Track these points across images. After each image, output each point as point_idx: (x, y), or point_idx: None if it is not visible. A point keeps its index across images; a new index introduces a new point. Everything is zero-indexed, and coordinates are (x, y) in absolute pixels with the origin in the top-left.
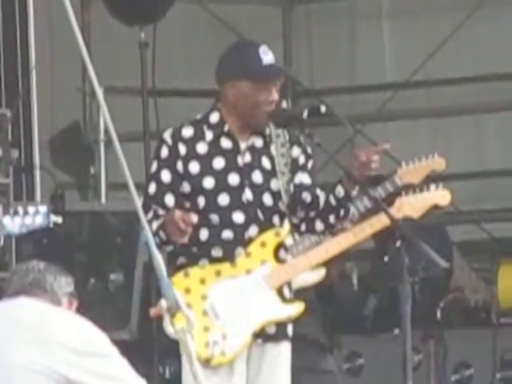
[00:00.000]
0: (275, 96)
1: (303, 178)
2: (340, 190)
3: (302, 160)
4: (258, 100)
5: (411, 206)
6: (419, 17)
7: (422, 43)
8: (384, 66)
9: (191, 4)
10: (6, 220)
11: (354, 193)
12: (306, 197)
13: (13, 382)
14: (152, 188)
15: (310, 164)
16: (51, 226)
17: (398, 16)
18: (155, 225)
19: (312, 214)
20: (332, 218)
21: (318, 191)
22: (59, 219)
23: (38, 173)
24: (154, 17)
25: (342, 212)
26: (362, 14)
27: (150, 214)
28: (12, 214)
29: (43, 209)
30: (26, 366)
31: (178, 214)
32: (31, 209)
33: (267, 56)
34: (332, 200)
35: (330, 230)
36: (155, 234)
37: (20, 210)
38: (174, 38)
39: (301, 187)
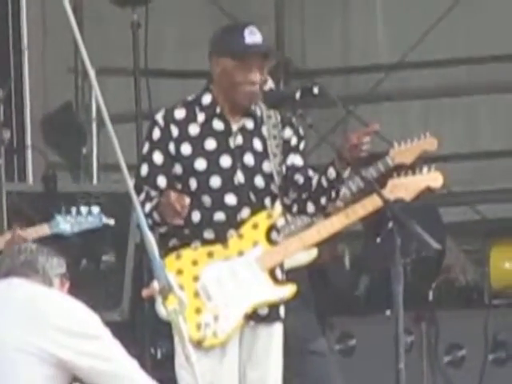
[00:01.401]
0: (256, 76)
1: (295, 159)
2: (332, 172)
3: (294, 141)
4: (238, 79)
5: (403, 188)
6: None
7: (416, 24)
8: (377, 46)
9: None
10: (58, 219)
11: (346, 174)
12: (299, 178)
13: (5, 363)
14: (144, 169)
15: (302, 145)
16: (102, 226)
17: None
18: (148, 206)
19: (304, 195)
20: (323, 200)
21: (311, 172)
22: (111, 221)
23: (29, 153)
24: None
25: (333, 194)
26: None
27: (143, 196)
28: (64, 213)
29: (96, 209)
30: (18, 348)
31: (173, 195)
32: (84, 209)
33: (252, 36)
34: (324, 182)
35: (322, 212)
36: (148, 215)
37: (73, 209)
38: (166, 18)
39: (293, 169)
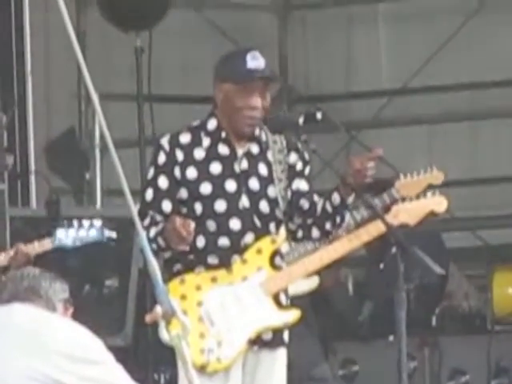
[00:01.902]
0: (257, 101)
1: (300, 184)
2: (336, 197)
3: (299, 166)
4: (239, 103)
5: (408, 213)
6: (415, 23)
7: (418, 50)
8: (380, 72)
9: (187, 10)
10: (60, 233)
11: (350, 200)
12: (304, 203)
13: None
14: (149, 194)
15: (307, 170)
16: (105, 240)
17: (394, 22)
18: (153, 231)
19: (309, 220)
20: (328, 225)
21: (316, 198)
22: (113, 234)
23: (33, 178)
24: (149, 23)
25: (338, 219)
26: (358, 20)
27: (147, 221)
28: (66, 226)
29: (98, 223)
30: (21, 373)
31: (178, 221)
32: (86, 222)
33: (254, 61)
34: (328, 207)
35: (326, 237)
36: (153, 240)
37: (75, 223)
38: (169, 44)
39: (298, 194)
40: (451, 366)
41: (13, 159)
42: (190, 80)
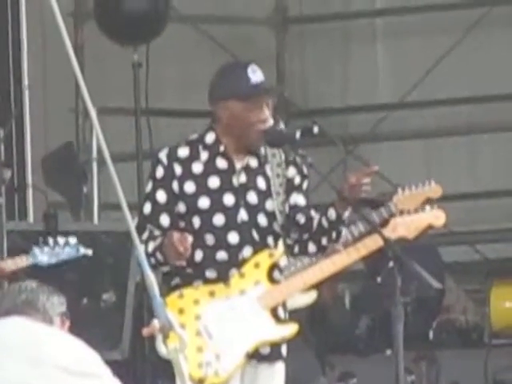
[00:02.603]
0: (266, 114)
1: (298, 198)
2: (332, 213)
3: (297, 180)
4: (251, 119)
5: (406, 227)
6: (413, 38)
7: (415, 64)
8: (377, 86)
9: (184, 24)
10: (36, 250)
11: (347, 215)
12: (300, 218)
13: None
14: (147, 208)
15: (305, 185)
16: (80, 257)
17: (392, 37)
18: (151, 246)
19: (305, 235)
20: (324, 241)
21: (313, 213)
22: (89, 251)
23: (30, 192)
24: (147, 37)
25: (334, 234)
26: (355, 35)
27: (146, 235)
28: (41, 244)
29: (73, 240)
30: None
31: (176, 236)
32: (61, 240)
33: (255, 75)
34: (324, 222)
35: (323, 253)
36: (152, 254)
37: (50, 240)
38: (167, 58)
39: (295, 208)
40: (449, 380)
41: (10, 173)
42: (187, 94)
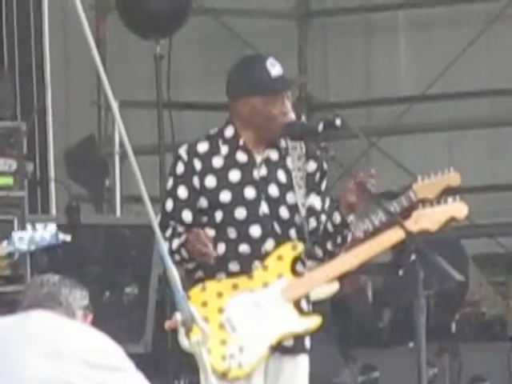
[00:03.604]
0: (288, 106)
1: (315, 201)
2: (337, 217)
3: (317, 177)
4: (272, 113)
5: (428, 219)
6: (435, 30)
7: (438, 56)
8: (400, 79)
9: (206, 17)
10: (15, 237)
11: (351, 219)
12: (312, 222)
13: None
14: (169, 205)
15: (323, 184)
16: (59, 243)
17: (414, 29)
18: (176, 242)
19: (313, 239)
20: (329, 245)
21: (323, 217)
22: (68, 237)
23: (52, 186)
24: (169, 30)
25: (339, 239)
26: (377, 27)
27: (169, 231)
28: (20, 231)
29: (52, 226)
30: (40, 380)
31: (201, 236)
32: (40, 226)
33: (275, 68)
34: (329, 226)
35: (328, 257)
36: (177, 251)
37: (29, 227)
38: (188, 51)
39: (309, 211)
40: (471, 373)
41: (32, 167)
42: (209, 87)
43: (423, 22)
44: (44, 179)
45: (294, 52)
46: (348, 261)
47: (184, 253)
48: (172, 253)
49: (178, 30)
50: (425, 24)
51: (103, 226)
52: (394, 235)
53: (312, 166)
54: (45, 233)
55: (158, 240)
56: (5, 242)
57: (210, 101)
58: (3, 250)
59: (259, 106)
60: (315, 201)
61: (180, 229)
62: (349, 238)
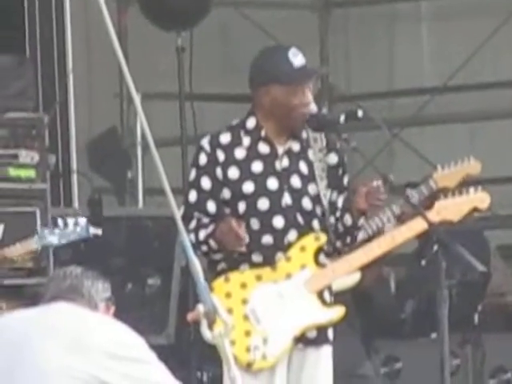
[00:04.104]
0: (309, 97)
1: (338, 199)
2: (348, 219)
3: (339, 172)
4: (293, 103)
5: (450, 210)
6: (457, 21)
7: (460, 47)
8: (422, 70)
9: (228, 9)
10: (46, 231)
11: (361, 222)
12: (331, 218)
13: None
14: (193, 196)
15: (345, 180)
16: (91, 237)
17: (437, 20)
18: (203, 233)
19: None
20: (339, 243)
21: (338, 214)
22: (99, 231)
23: (75, 178)
24: (190, 22)
25: (348, 239)
26: (400, 18)
27: (194, 223)
28: (51, 225)
29: (83, 220)
30: (63, 372)
31: (234, 223)
32: (70, 220)
33: (297, 58)
34: (340, 227)
35: (336, 254)
36: (204, 242)
37: (60, 221)
38: (210, 42)
39: (332, 207)
40: (494, 364)
41: (55, 159)
42: (231, 78)
43: (445, 12)
44: (66, 171)
45: (315, 43)
46: (371, 251)
47: (212, 243)
48: (198, 244)
49: (200, 22)
50: (447, 14)
51: (126, 218)
52: (416, 226)
53: (333, 158)
54: (75, 227)
55: (181, 231)
56: (36, 236)
57: (232, 92)
58: (34, 244)
59: (280, 96)
60: (339, 199)
61: (205, 220)
62: (359, 237)
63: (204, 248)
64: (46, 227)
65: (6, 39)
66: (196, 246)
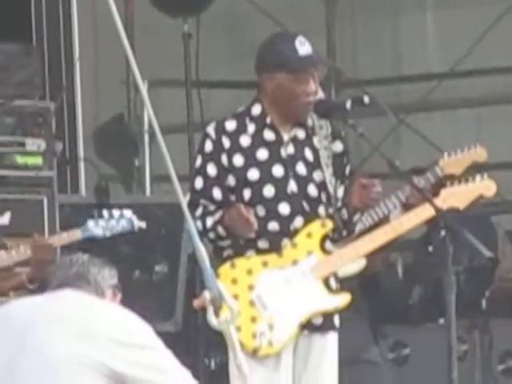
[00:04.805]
0: (313, 87)
1: (339, 190)
2: (344, 213)
3: (344, 161)
4: (296, 91)
5: (457, 197)
6: (463, 6)
7: (467, 32)
8: (428, 55)
9: None
10: (90, 223)
11: (356, 218)
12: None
13: (58, 375)
14: (199, 182)
15: (348, 169)
16: (135, 230)
17: (443, 5)
18: (210, 220)
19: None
20: (335, 235)
21: (339, 204)
22: (143, 224)
23: (82, 165)
24: (197, 8)
25: (344, 232)
26: (405, 4)
27: (200, 210)
28: (96, 217)
29: (128, 213)
30: (71, 359)
31: (243, 209)
32: (116, 212)
33: (304, 47)
34: (337, 221)
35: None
36: (212, 229)
37: (105, 213)
38: (216, 29)
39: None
40: (502, 349)
41: (61, 146)
42: (237, 65)
43: None
44: (73, 159)
45: (322, 29)
46: (378, 238)
47: (220, 230)
48: (206, 231)
49: (206, 9)
50: (453, 0)
51: (133, 204)
52: (423, 212)
53: (339, 146)
54: (120, 219)
55: (187, 218)
56: (81, 228)
57: (239, 79)
58: (79, 235)
59: (283, 83)
60: (340, 189)
61: (211, 207)
62: (356, 230)
63: (211, 235)
64: (91, 219)
65: (13, 27)
66: (203, 233)
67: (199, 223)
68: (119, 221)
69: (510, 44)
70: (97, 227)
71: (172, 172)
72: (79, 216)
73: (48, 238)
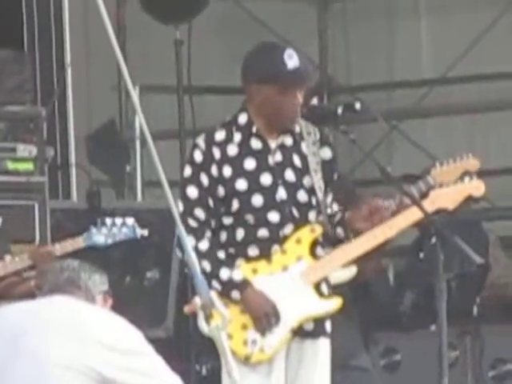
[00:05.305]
0: (299, 100)
1: (328, 197)
2: (340, 233)
3: (333, 168)
4: (283, 104)
5: (445, 198)
6: (456, 12)
7: (459, 39)
8: (421, 62)
9: (226, 1)
10: (93, 231)
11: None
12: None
13: (48, 380)
14: (193, 192)
15: (335, 175)
16: (138, 237)
17: (435, 12)
18: (227, 273)
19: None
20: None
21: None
22: (145, 232)
23: (73, 171)
24: (189, 14)
25: (333, 241)
26: (398, 10)
27: (206, 245)
28: (99, 225)
29: (130, 221)
30: (62, 364)
31: (271, 309)
32: (118, 220)
33: (292, 60)
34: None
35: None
36: (213, 276)
37: (108, 221)
38: (208, 35)
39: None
40: (493, 356)
41: (53, 151)
42: (229, 71)
43: (444, 4)
44: (65, 164)
45: (314, 35)
46: (367, 242)
47: (217, 285)
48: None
49: (198, 15)
50: (446, 6)
51: (124, 210)
52: (411, 215)
53: (327, 152)
54: (123, 227)
55: (177, 224)
56: (84, 235)
57: (231, 85)
58: (82, 243)
59: (270, 95)
60: (328, 197)
61: (221, 254)
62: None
63: (215, 284)
64: (94, 226)
65: (4, 33)
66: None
67: (207, 264)
68: (121, 229)
69: (503, 50)
70: (99, 235)
71: (163, 178)
72: (71, 221)
73: (50, 247)
